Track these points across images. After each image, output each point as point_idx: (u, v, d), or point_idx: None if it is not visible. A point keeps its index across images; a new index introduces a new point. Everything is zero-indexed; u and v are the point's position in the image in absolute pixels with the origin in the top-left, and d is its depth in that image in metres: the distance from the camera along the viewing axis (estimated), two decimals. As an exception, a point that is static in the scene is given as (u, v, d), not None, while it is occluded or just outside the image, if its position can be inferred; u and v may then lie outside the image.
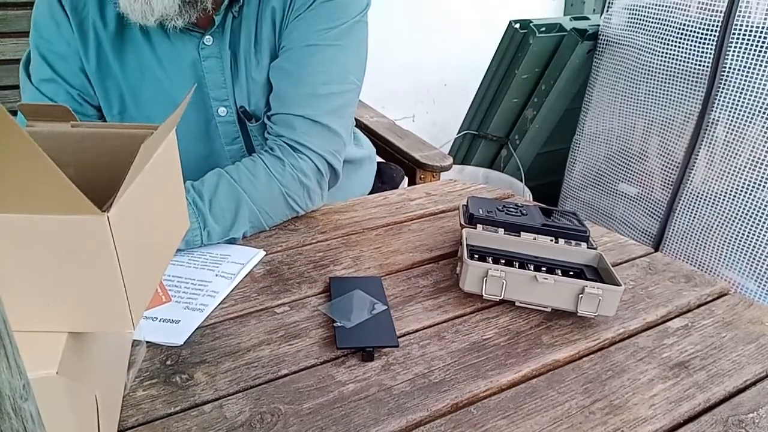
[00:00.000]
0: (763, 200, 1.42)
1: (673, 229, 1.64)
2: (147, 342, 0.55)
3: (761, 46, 1.38)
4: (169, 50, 0.76)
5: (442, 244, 0.74)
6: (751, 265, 1.46)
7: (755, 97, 1.41)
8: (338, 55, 0.77)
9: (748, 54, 1.41)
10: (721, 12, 1.44)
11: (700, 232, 1.57)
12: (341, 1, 0.76)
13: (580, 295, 0.57)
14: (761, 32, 1.38)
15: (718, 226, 1.52)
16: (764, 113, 1.40)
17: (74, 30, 0.74)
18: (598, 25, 1.80)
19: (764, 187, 1.42)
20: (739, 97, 1.44)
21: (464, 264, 0.60)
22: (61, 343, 0.36)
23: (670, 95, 1.61)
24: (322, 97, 0.76)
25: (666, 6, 1.58)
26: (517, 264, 0.63)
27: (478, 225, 0.68)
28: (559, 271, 0.63)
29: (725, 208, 1.50)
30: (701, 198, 1.56)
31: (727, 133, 1.49)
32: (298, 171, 0.75)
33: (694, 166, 1.57)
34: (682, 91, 1.57)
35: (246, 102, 0.80)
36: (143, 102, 0.78)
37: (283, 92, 0.76)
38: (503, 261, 0.64)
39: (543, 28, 1.82)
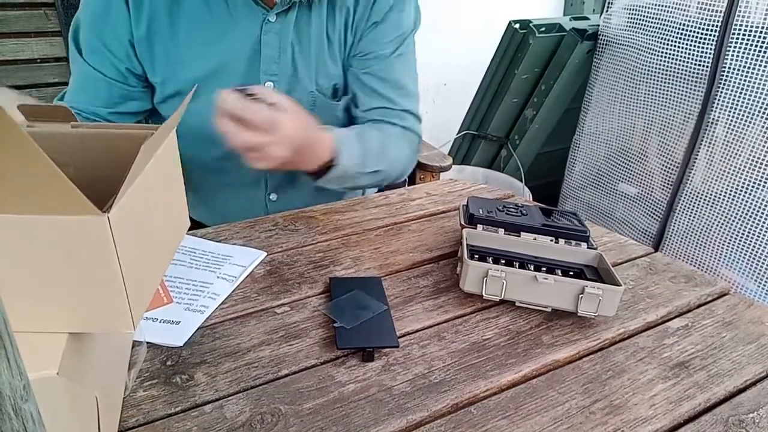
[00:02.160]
0: (763, 200, 1.42)
1: (673, 229, 1.64)
2: (147, 343, 0.55)
3: (761, 46, 1.38)
4: (228, 21, 0.79)
5: (442, 244, 0.74)
6: (751, 265, 1.46)
7: (755, 96, 1.41)
8: (414, 57, 0.94)
9: (748, 54, 1.41)
10: (720, 12, 1.44)
11: (700, 232, 1.57)
12: (407, 11, 0.89)
13: (580, 295, 0.57)
14: (761, 32, 1.38)
15: (718, 225, 1.52)
16: (764, 113, 1.40)
17: (130, 6, 0.76)
18: (598, 25, 1.80)
19: (764, 186, 1.42)
20: (739, 96, 1.44)
21: (464, 264, 0.60)
22: (62, 343, 0.36)
23: (670, 95, 1.61)
24: (415, 95, 0.94)
25: (666, 6, 1.58)
26: (517, 264, 0.63)
27: (479, 225, 0.68)
28: (559, 272, 0.63)
29: (725, 208, 1.50)
30: (701, 198, 1.56)
31: (727, 132, 1.49)
32: (417, 143, 0.94)
33: (693, 166, 1.57)
34: (682, 91, 1.57)
35: (313, 85, 0.87)
36: (190, 69, 0.81)
37: (387, 93, 0.89)
38: (503, 261, 0.64)
39: (543, 28, 1.82)
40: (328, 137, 0.77)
